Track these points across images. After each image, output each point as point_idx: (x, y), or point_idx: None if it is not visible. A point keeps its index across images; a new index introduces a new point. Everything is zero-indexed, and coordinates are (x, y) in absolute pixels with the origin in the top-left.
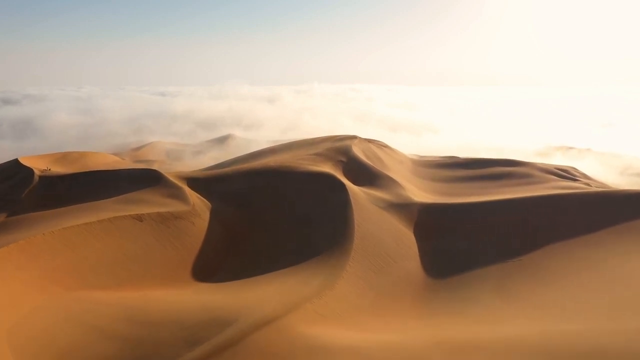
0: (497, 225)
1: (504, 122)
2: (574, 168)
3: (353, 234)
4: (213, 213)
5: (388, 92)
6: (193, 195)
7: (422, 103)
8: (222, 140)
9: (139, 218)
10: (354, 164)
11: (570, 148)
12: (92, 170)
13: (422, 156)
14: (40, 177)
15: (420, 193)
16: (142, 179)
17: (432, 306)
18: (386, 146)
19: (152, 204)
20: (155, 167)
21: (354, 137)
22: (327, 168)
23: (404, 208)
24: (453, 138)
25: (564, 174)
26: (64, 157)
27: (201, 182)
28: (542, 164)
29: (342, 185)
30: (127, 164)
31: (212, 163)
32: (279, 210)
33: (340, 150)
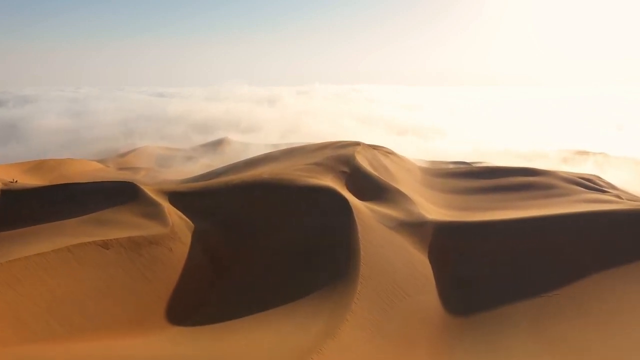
0: (526, 249)
1: (510, 124)
2: (598, 177)
3: (359, 262)
4: (195, 236)
5: (390, 93)
6: (173, 214)
7: (425, 104)
8: (216, 144)
9: (105, 245)
10: (358, 175)
11: (595, 154)
12: (61, 183)
13: (432, 162)
14: (2, 191)
15: (432, 208)
16: (116, 194)
17: (456, 356)
18: (392, 153)
19: (123, 225)
20: (141, 175)
21: (357, 144)
22: (327, 180)
23: (416, 228)
24: (461, 141)
25: (589, 183)
26: (38, 165)
27: (184, 198)
28: (564, 172)
29: (345, 202)
30: (110, 171)
31: (203, 171)
32: (272, 233)
33: (342, 159)
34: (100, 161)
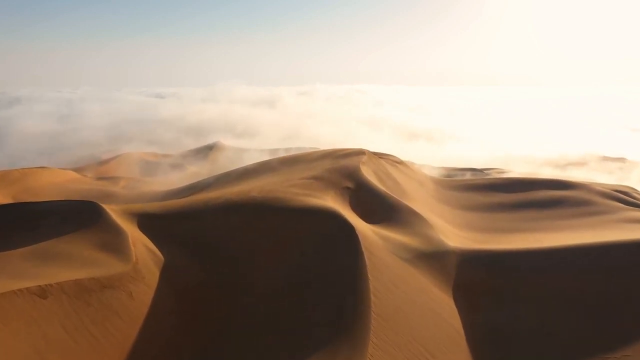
0: (580, 289)
1: (521, 126)
2: (633, 188)
3: (369, 311)
4: (165, 273)
5: (392, 93)
6: (139, 245)
7: (428, 105)
8: (207, 150)
9: (42, 293)
10: (364, 191)
11: (615, 159)
12: (6, 204)
13: (446, 169)
14: None
15: (451, 230)
16: (73, 218)
17: None
18: (401, 162)
19: (74, 260)
20: (120, 185)
21: (361, 153)
22: (328, 199)
23: (436, 259)
24: (475, 146)
25: (626, 197)
26: (0, 177)
27: (156, 221)
28: (597, 184)
29: (350, 228)
30: (86, 182)
31: (190, 180)
32: (260, 270)
33: (345, 172)
34: (77, 169)
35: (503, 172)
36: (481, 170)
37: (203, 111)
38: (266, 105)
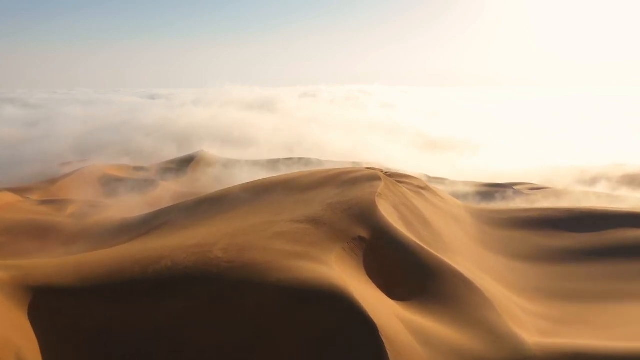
0: None
1: (538, 130)
2: None
3: None
4: None
5: (398, 95)
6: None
7: (437, 107)
8: (188, 162)
9: None
10: (385, 244)
11: None
12: None
13: (478, 185)
14: None
15: (516, 302)
16: None
17: None
18: (425, 187)
19: None
20: (67, 212)
21: (375, 178)
22: (332, 262)
23: None
24: (493, 153)
25: None
26: None
27: (65, 301)
28: None
29: (372, 330)
30: (23, 209)
31: (156, 204)
32: None
33: (357, 211)
34: (22, 190)
35: (540, 189)
36: (511, 186)
37: (192, 114)
38: (265, 108)
